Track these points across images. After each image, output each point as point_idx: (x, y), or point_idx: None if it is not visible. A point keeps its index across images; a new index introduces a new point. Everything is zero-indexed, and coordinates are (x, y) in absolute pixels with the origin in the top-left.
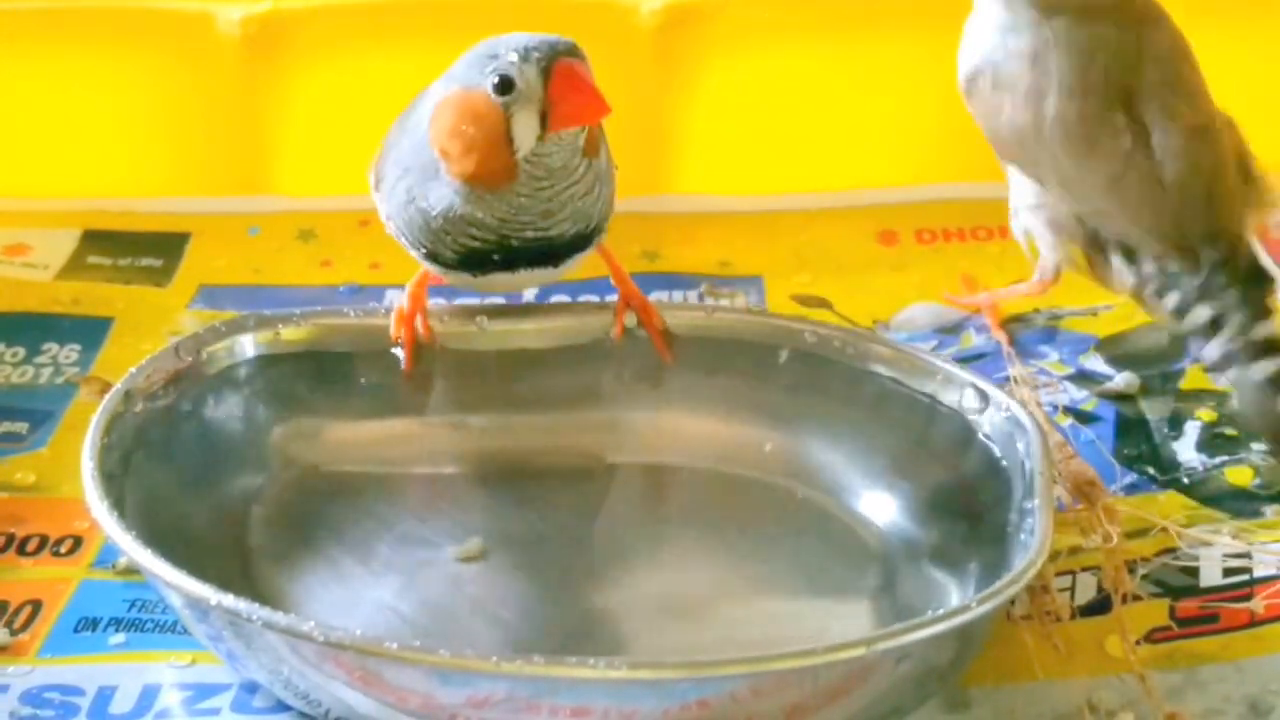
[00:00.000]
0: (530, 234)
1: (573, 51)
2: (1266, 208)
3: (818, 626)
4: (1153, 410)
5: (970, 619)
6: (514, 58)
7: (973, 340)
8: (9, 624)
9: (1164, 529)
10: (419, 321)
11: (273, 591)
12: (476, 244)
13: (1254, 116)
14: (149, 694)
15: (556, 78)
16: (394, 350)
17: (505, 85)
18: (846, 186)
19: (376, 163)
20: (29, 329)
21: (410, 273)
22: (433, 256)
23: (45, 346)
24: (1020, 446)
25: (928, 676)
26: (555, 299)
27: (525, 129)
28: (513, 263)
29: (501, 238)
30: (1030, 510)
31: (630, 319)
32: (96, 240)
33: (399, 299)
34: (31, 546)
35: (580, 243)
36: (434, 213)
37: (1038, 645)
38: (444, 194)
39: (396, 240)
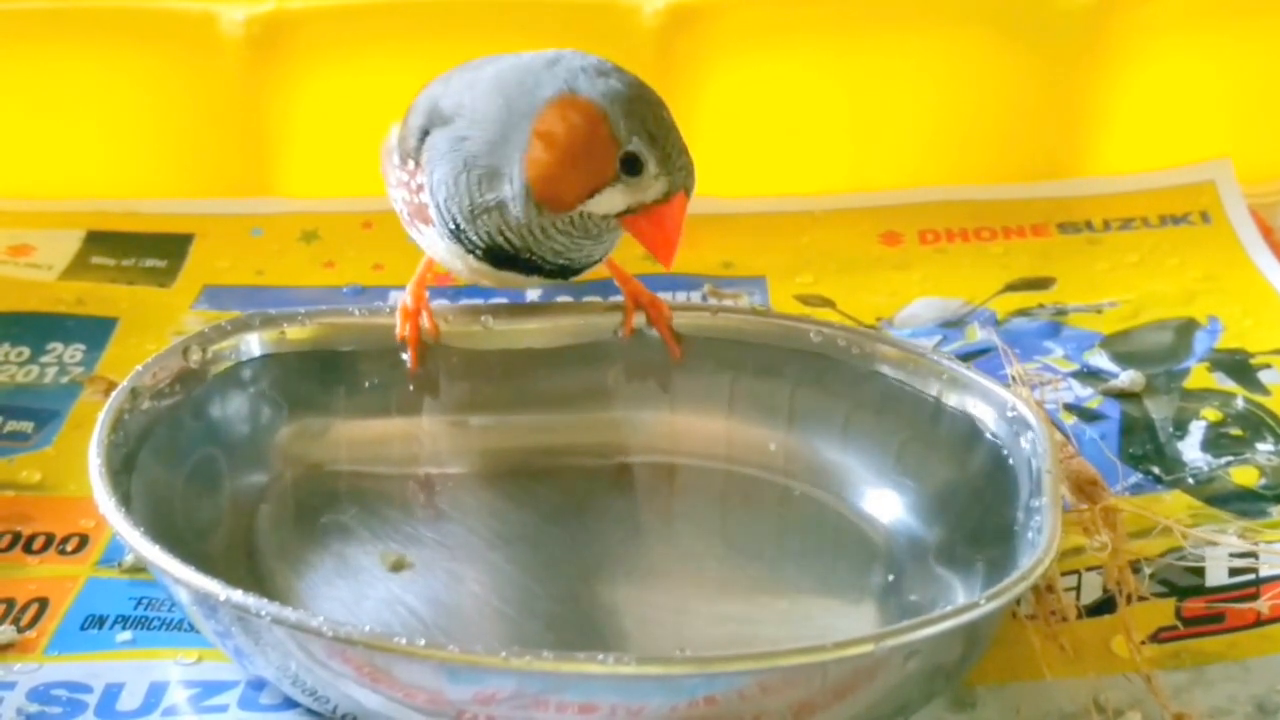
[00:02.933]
0: (549, 258)
1: (689, 185)
2: None
3: (824, 624)
4: (1158, 409)
5: (978, 616)
6: (654, 160)
7: (977, 335)
8: (16, 622)
9: (1168, 529)
10: (424, 319)
11: (278, 588)
12: (503, 243)
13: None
14: (156, 691)
15: (668, 208)
16: (400, 351)
17: (632, 166)
18: (849, 188)
19: (402, 133)
20: (34, 329)
21: (412, 273)
22: (457, 235)
23: (50, 346)
24: (1027, 445)
25: (935, 674)
26: (560, 299)
27: (610, 202)
28: (531, 271)
29: (528, 249)
30: (1037, 509)
31: (639, 318)
32: (100, 241)
33: (402, 297)
34: (38, 545)
35: (596, 262)
36: (481, 196)
37: (1044, 644)
38: (501, 183)
39: (408, 216)
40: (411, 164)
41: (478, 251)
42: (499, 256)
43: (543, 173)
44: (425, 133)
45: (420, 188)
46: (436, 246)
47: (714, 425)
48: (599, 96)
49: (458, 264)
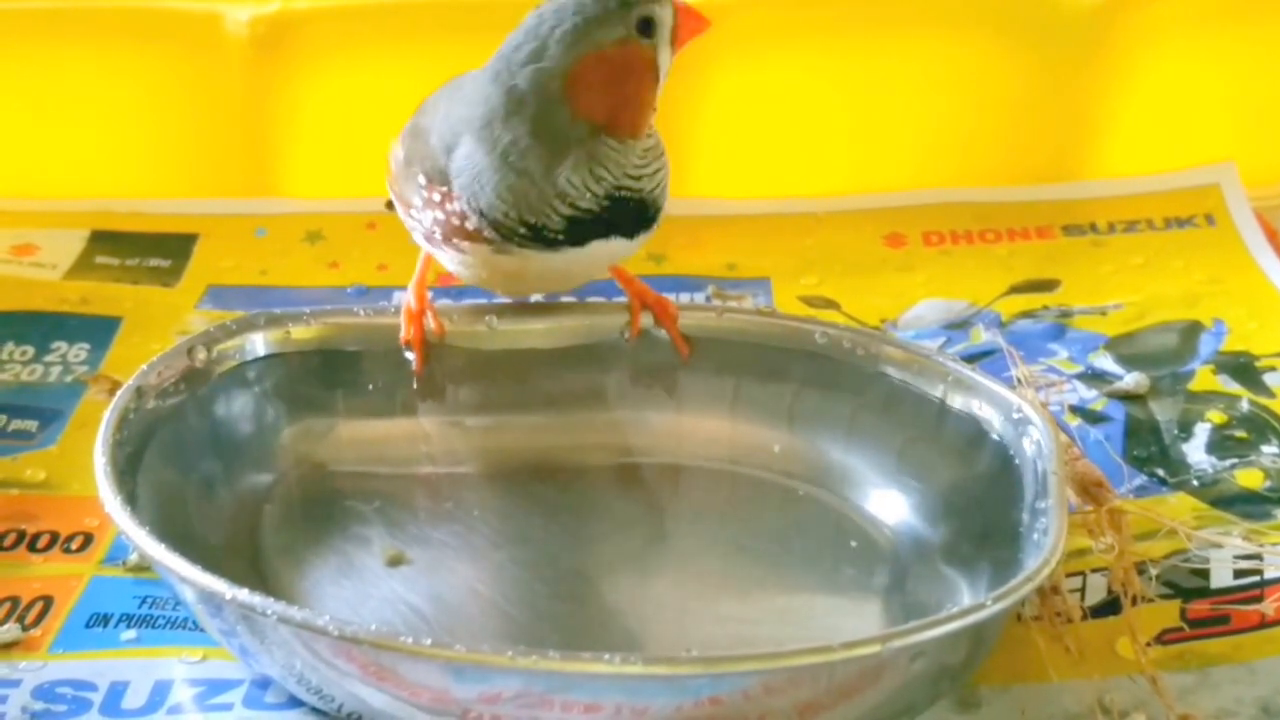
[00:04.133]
0: (636, 186)
1: None
2: None
3: (829, 625)
4: (1162, 411)
5: (984, 617)
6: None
7: (981, 337)
8: (21, 620)
9: (1174, 530)
10: (429, 319)
11: (283, 587)
12: (591, 206)
13: (1259, 120)
14: (161, 689)
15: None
16: (404, 352)
17: (648, 26)
18: (854, 190)
19: (418, 154)
20: (38, 328)
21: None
22: (530, 229)
23: (54, 345)
24: (1032, 446)
25: (940, 675)
26: (564, 299)
27: (665, 62)
28: (609, 229)
29: (615, 196)
30: (1043, 510)
31: (646, 319)
32: (104, 240)
33: (405, 297)
34: (42, 543)
35: (654, 215)
36: (564, 179)
37: (1049, 646)
38: (575, 157)
39: (434, 237)
40: (442, 191)
41: (559, 236)
42: (577, 230)
43: (625, 121)
44: (448, 149)
45: (461, 215)
46: (473, 261)
47: (718, 426)
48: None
49: (495, 272)
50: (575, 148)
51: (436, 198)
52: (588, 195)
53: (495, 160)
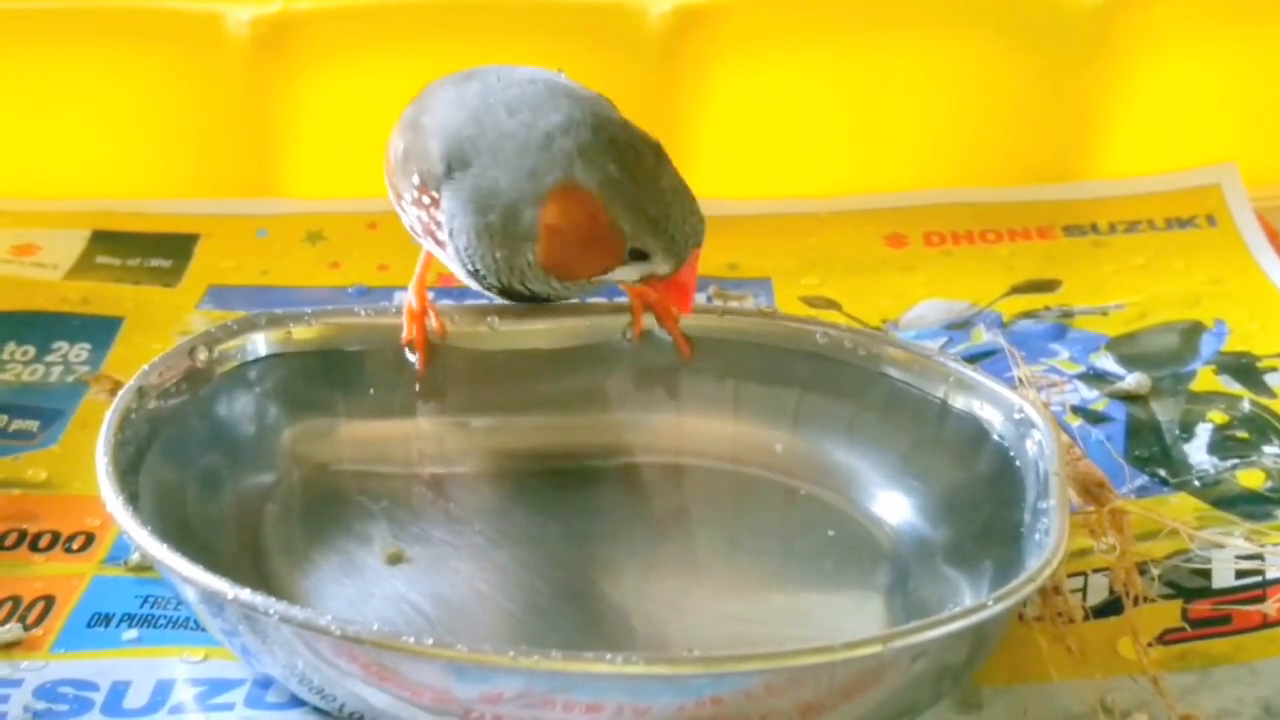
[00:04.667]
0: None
1: (699, 242)
2: None
3: (831, 625)
4: (1164, 411)
5: (986, 617)
6: (659, 248)
7: (983, 336)
8: (22, 619)
9: (1175, 531)
10: (431, 319)
11: (284, 587)
12: (520, 290)
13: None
14: (162, 689)
15: (681, 274)
16: (406, 351)
17: (639, 255)
18: (855, 190)
19: (417, 153)
20: (39, 328)
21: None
22: (474, 275)
23: (55, 345)
24: (1033, 447)
25: (942, 675)
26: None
27: (625, 275)
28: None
29: (545, 296)
30: (1045, 510)
31: (648, 319)
32: (105, 241)
33: (406, 297)
34: (44, 543)
35: None
36: (500, 258)
37: (1050, 646)
38: (518, 253)
39: (426, 234)
40: (432, 196)
41: (493, 289)
42: (512, 295)
43: (555, 260)
44: (448, 168)
45: (440, 225)
46: (447, 260)
47: (720, 426)
48: (597, 187)
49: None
50: (524, 259)
51: (427, 201)
52: (517, 286)
53: (474, 216)
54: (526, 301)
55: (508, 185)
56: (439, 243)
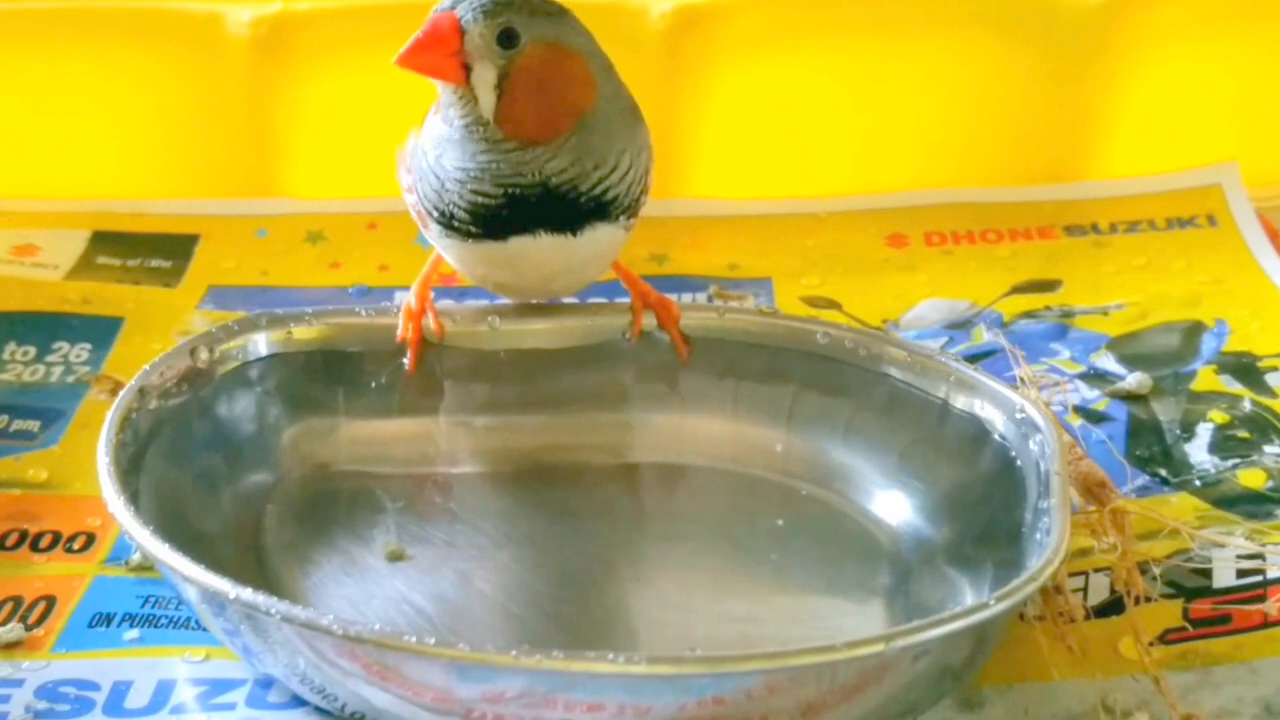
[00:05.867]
0: (531, 183)
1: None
2: None
3: (832, 625)
4: (1165, 411)
5: (988, 617)
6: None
7: (983, 337)
8: (23, 619)
9: (1176, 530)
10: (429, 320)
11: (286, 587)
12: (480, 199)
13: (1261, 120)
14: (164, 689)
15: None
16: (403, 349)
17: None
18: (855, 190)
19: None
20: (39, 328)
21: (418, 273)
22: (448, 221)
23: (56, 345)
24: (1034, 446)
25: (944, 675)
26: (565, 300)
27: (482, 79)
28: (526, 223)
29: (506, 191)
30: (1046, 510)
31: (649, 319)
32: (105, 241)
33: (406, 297)
34: (44, 543)
35: (599, 211)
36: (440, 163)
37: (1052, 645)
38: (438, 150)
39: (418, 221)
40: (409, 166)
41: (471, 228)
42: (485, 221)
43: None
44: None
45: (408, 185)
46: (443, 244)
47: (720, 426)
48: None
49: (476, 268)
50: (472, 144)
51: (408, 180)
52: (474, 193)
53: (422, 148)
54: (510, 229)
55: None
56: (424, 220)
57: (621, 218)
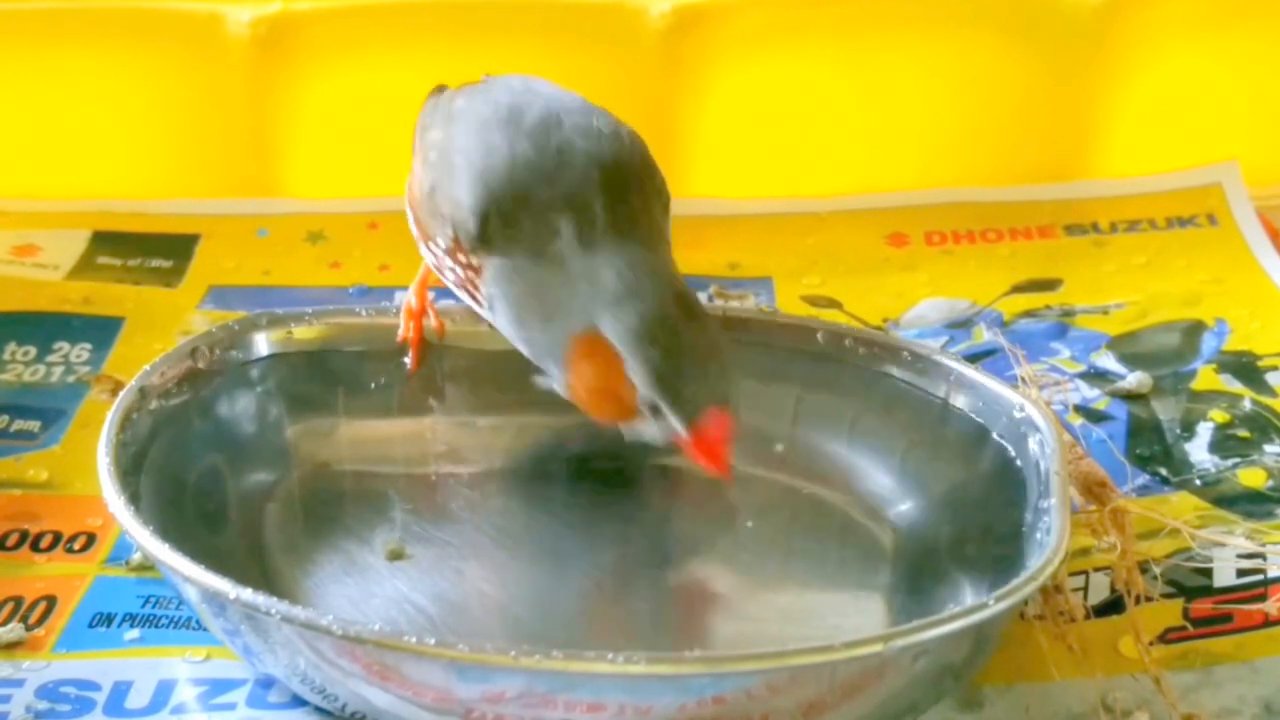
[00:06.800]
0: None
1: (723, 397)
2: None
3: (832, 624)
4: (1165, 410)
5: (987, 617)
6: (669, 407)
7: (983, 336)
8: (24, 619)
9: (1176, 530)
10: (430, 319)
11: (286, 587)
12: None
13: (1262, 119)
14: (164, 689)
15: (705, 432)
16: (404, 351)
17: (654, 410)
18: (856, 190)
19: (446, 202)
20: (40, 328)
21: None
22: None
23: (56, 345)
24: (1035, 446)
25: (943, 674)
26: None
27: (649, 432)
28: None
29: None
30: (1046, 510)
31: None
32: (106, 241)
33: (406, 297)
34: (45, 543)
35: None
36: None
37: (1052, 645)
38: (550, 365)
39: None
40: (472, 263)
41: None
42: None
43: (578, 397)
44: (483, 231)
45: (479, 293)
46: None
47: None
48: (618, 340)
49: None
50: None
51: (463, 259)
52: None
53: (513, 315)
54: None
55: (545, 297)
56: (476, 302)
57: None
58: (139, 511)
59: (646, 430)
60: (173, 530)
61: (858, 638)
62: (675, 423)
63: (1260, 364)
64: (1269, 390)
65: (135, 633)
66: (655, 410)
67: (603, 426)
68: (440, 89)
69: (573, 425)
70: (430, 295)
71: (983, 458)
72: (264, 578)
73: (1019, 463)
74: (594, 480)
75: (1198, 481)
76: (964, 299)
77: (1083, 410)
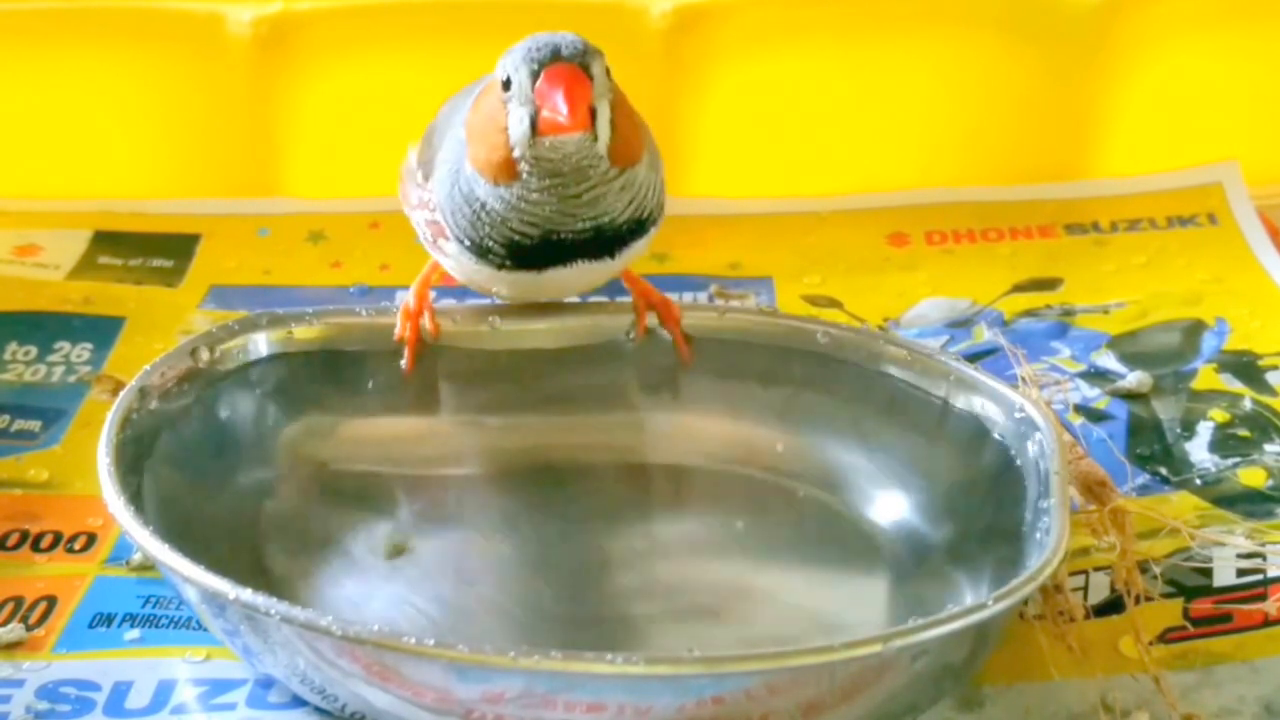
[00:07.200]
0: (579, 226)
1: (579, 56)
2: None
3: (832, 624)
4: (1165, 410)
5: (987, 616)
6: (516, 56)
7: (984, 335)
8: (24, 620)
9: (1176, 529)
10: (425, 320)
11: (286, 587)
12: (516, 236)
13: (1262, 119)
14: (164, 689)
15: (542, 82)
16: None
17: (505, 83)
18: (856, 189)
19: (422, 153)
20: (41, 328)
21: (418, 273)
22: (482, 252)
23: (57, 345)
24: (1035, 445)
25: (943, 674)
26: (567, 300)
27: (517, 127)
28: (566, 256)
29: (544, 232)
30: (1046, 509)
31: (651, 319)
32: (107, 241)
33: (405, 297)
34: (45, 543)
35: (636, 230)
36: (470, 201)
37: (1052, 645)
38: (474, 184)
39: (426, 238)
40: (427, 180)
41: (506, 261)
42: (520, 255)
43: (471, 156)
44: (435, 155)
45: (432, 205)
46: (464, 264)
47: (720, 426)
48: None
49: (495, 286)
50: (478, 186)
51: (426, 197)
52: (505, 231)
53: (449, 178)
54: (545, 263)
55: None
56: (442, 233)
57: (651, 229)
58: (139, 511)
59: (514, 126)
60: (172, 530)
61: (857, 638)
62: (524, 80)
63: (1260, 363)
64: (1269, 390)
65: (135, 633)
66: (506, 84)
67: (595, 427)
68: None
69: (573, 425)
70: (431, 295)
71: (983, 457)
72: (263, 578)
73: (1019, 462)
74: (595, 481)
75: (1198, 481)
76: (964, 298)
77: (1083, 410)
